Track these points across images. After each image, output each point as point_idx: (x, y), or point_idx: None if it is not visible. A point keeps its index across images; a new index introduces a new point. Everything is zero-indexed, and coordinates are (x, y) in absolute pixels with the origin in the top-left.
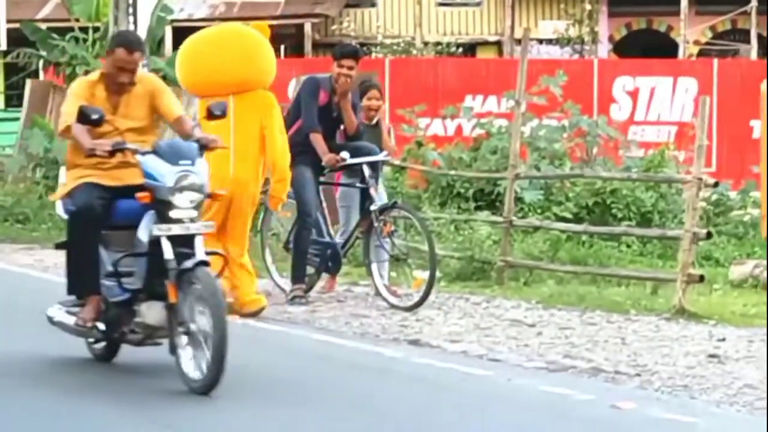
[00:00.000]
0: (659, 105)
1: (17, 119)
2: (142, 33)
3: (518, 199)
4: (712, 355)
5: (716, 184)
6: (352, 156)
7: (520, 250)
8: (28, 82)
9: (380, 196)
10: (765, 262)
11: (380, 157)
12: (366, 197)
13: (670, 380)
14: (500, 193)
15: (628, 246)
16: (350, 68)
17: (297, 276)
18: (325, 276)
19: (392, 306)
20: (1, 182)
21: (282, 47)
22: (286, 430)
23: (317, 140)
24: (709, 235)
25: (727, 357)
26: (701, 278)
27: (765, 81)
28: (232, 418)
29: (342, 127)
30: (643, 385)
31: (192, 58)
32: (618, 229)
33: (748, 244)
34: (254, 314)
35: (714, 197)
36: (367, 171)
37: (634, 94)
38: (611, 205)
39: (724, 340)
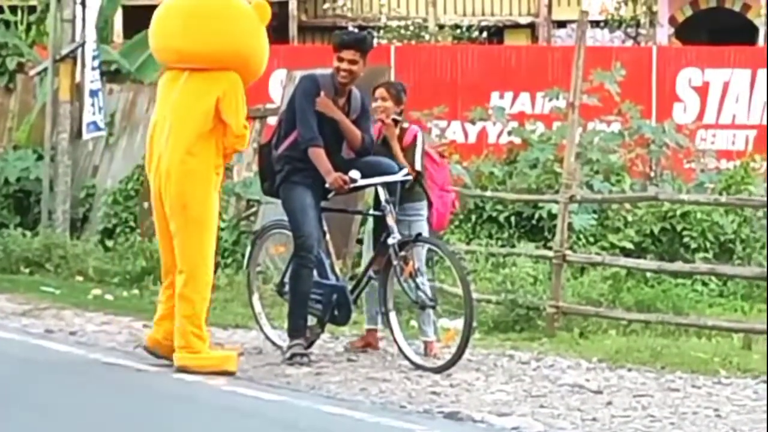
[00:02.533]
0: (734, 104)
1: None
2: (91, 15)
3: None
4: None
5: None
6: (364, 175)
7: (572, 292)
8: None
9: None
10: None
11: (399, 176)
12: (382, 228)
13: None
14: (542, 217)
15: (705, 284)
16: (351, 62)
17: (295, 328)
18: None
19: (417, 366)
20: None
21: None
22: None
23: (318, 156)
24: None
25: None
26: None
27: None
28: None
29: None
30: None
31: (163, 19)
32: (703, 267)
33: None
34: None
35: None
36: (382, 194)
37: (702, 90)
38: (682, 233)
39: None
